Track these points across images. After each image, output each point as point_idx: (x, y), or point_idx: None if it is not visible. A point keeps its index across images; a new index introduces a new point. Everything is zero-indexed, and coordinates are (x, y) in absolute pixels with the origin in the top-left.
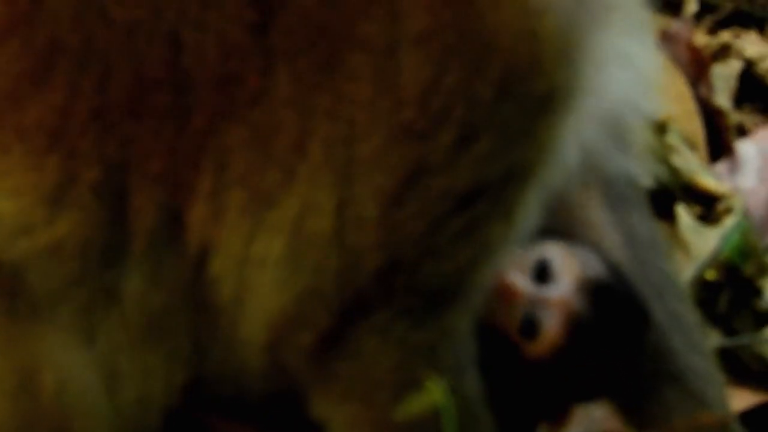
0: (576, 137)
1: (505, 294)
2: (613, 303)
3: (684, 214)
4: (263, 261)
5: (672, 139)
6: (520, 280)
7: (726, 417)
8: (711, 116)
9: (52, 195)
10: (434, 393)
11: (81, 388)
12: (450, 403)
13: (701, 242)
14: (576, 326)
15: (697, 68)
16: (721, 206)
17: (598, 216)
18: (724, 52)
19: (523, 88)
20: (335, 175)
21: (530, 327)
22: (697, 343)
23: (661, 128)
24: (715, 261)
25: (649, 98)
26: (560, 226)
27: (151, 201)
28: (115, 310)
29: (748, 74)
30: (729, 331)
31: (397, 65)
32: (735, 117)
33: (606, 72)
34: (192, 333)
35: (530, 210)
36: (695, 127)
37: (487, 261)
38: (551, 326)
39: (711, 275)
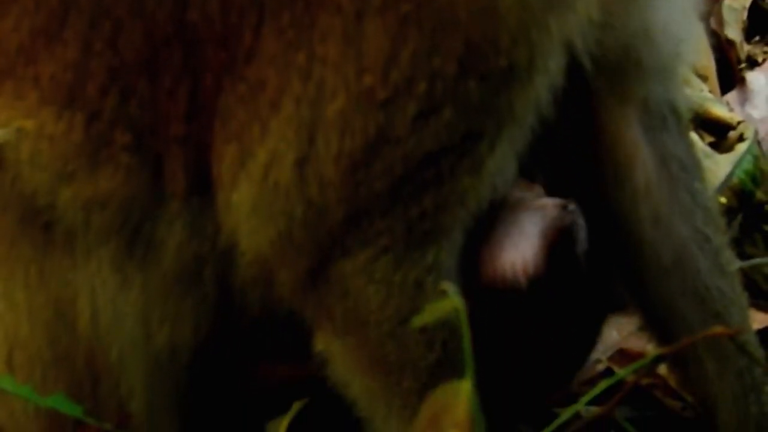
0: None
1: None
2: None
3: (697, 141)
4: (239, 208)
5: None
6: None
7: (740, 330)
8: (722, 49)
9: (88, 151)
10: (451, 300)
11: (116, 317)
12: (464, 310)
13: (714, 169)
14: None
15: (707, 2)
16: (732, 135)
17: (632, 135)
18: None
19: (485, 64)
20: (299, 132)
21: None
22: (723, 265)
23: None
24: (727, 187)
25: (690, 25)
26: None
27: (181, 163)
28: (152, 256)
29: (757, 7)
30: (741, 254)
31: (362, 32)
32: (745, 49)
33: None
34: (218, 281)
35: (504, 159)
36: (706, 60)
37: (460, 205)
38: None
39: (724, 200)
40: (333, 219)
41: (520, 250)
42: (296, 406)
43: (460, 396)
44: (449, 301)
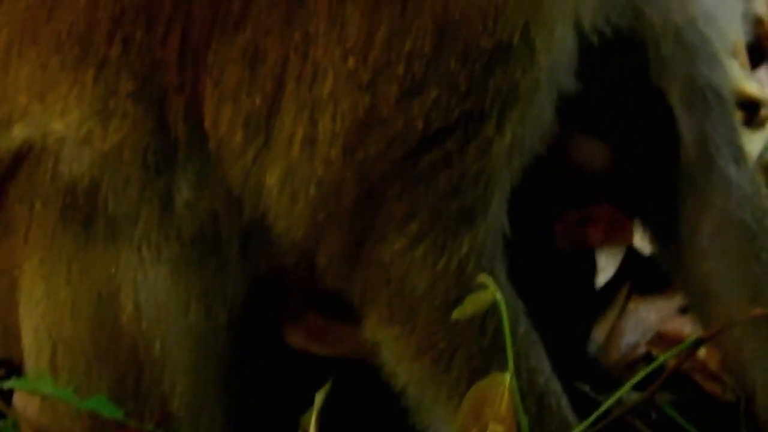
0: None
1: None
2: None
3: None
4: (270, 187)
5: None
6: None
7: None
8: (750, 24)
9: (98, 107)
10: (490, 292)
11: (158, 308)
12: (503, 301)
13: (746, 146)
14: None
15: None
16: (763, 111)
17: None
18: None
19: (464, 44)
20: (302, 112)
21: None
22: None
23: None
24: (759, 164)
25: (733, 9)
26: None
27: (180, 110)
28: (172, 222)
29: None
30: None
31: (343, 13)
32: None
33: None
34: (240, 244)
35: (522, 141)
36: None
37: (476, 187)
38: None
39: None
40: (346, 200)
41: None
42: (318, 398)
43: (502, 388)
44: (489, 293)
